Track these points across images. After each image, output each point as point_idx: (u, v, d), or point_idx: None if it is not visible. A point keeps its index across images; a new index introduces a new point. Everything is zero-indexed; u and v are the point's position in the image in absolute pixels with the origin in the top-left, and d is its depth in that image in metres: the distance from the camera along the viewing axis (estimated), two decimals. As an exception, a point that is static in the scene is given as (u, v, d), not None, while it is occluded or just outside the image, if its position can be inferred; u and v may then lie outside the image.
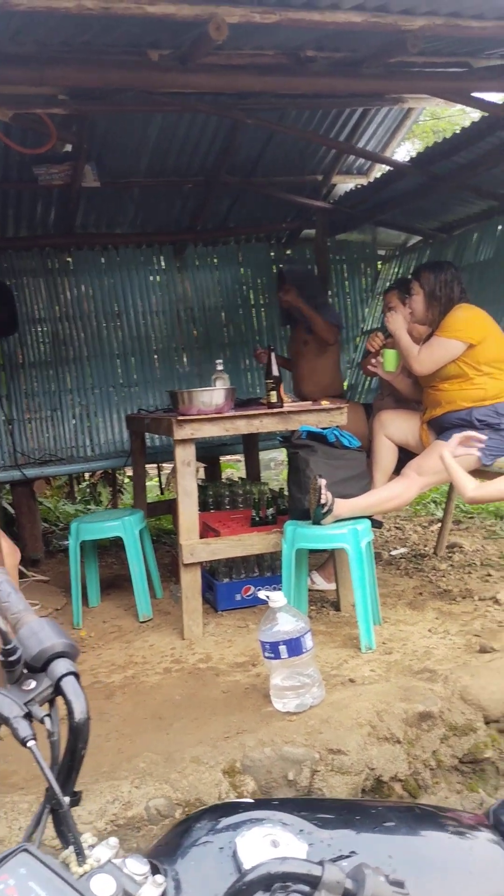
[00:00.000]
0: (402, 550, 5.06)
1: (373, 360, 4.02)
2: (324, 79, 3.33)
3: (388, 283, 6.40)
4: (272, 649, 2.80)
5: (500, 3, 2.76)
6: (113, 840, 1.32)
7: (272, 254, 6.48)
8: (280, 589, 3.60)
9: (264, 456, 7.59)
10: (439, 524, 5.08)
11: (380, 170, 5.70)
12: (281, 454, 8.24)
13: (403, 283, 4.49)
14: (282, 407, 3.86)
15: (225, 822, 1.22)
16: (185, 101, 4.02)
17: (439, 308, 3.76)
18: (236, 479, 5.46)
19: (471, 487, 3.01)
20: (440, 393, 3.73)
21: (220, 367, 4.29)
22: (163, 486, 7.43)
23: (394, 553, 5.00)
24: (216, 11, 2.59)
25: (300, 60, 3.34)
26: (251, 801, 1.31)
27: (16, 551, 3.44)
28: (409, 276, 4.04)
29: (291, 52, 3.33)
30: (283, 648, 2.78)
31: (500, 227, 5.11)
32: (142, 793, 2.44)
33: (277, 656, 2.80)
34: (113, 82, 3.11)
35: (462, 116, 11.48)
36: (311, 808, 1.29)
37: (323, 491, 3.43)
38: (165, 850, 1.32)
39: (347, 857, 1.20)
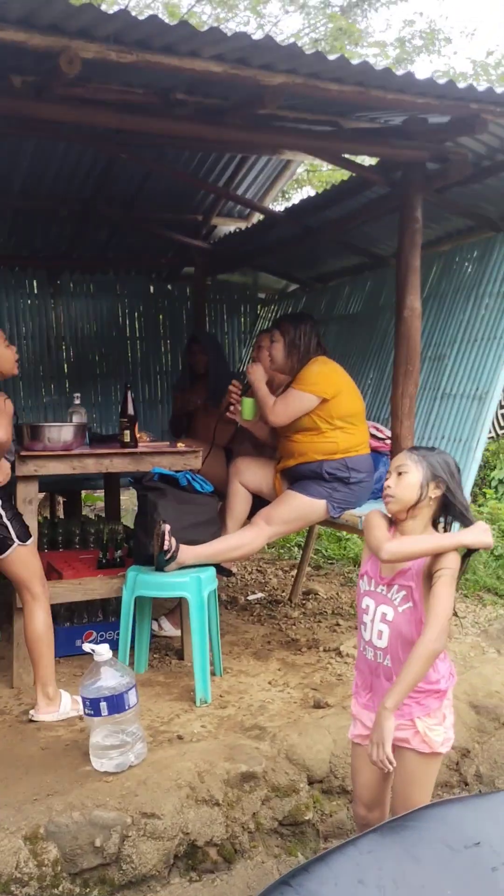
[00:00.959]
0: (259, 595, 5.02)
1: (231, 408, 4.00)
2: (187, 123, 3.31)
3: (267, 326, 6.47)
4: (92, 706, 2.68)
5: (357, 70, 2.82)
6: None
7: (151, 287, 6.41)
8: (117, 637, 3.49)
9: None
10: (297, 570, 5.09)
11: (259, 216, 5.76)
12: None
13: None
14: (135, 447, 3.77)
15: None
16: (55, 129, 3.92)
17: (298, 357, 3.81)
18: (93, 517, 5.29)
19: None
20: (294, 444, 3.74)
21: (77, 402, 4.18)
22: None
23: (251, 598, 4.96)
24: (69, 45, 2.52)
25: (170, 102, 3.31)
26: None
27: None
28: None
29: (162, 92, 3.29)
30: (104, 705, 2.67)
31: (369, 283, 5.24)
32: None
33: (98, 713, 2.68)
34: (-36, 104, 2.98)
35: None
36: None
37: (167, 536, 3.35)
38: None
39: None
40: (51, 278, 5.98)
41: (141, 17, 2.42)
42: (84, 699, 2.69)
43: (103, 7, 2.52)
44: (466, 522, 2.24)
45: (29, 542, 3.13)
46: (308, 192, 13.49)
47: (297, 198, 12.47)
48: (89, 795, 2.54)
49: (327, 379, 3.67)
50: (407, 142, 3.51)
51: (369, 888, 1.31)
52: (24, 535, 3.12)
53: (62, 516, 6.07)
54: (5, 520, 3.07)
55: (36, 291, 5.94)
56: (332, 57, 2.67)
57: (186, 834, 2.55)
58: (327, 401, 3.64)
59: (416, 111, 3.29)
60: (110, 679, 2.69)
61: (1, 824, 2.40)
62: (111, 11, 2.41)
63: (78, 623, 3.85)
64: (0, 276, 5.78)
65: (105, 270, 6.21)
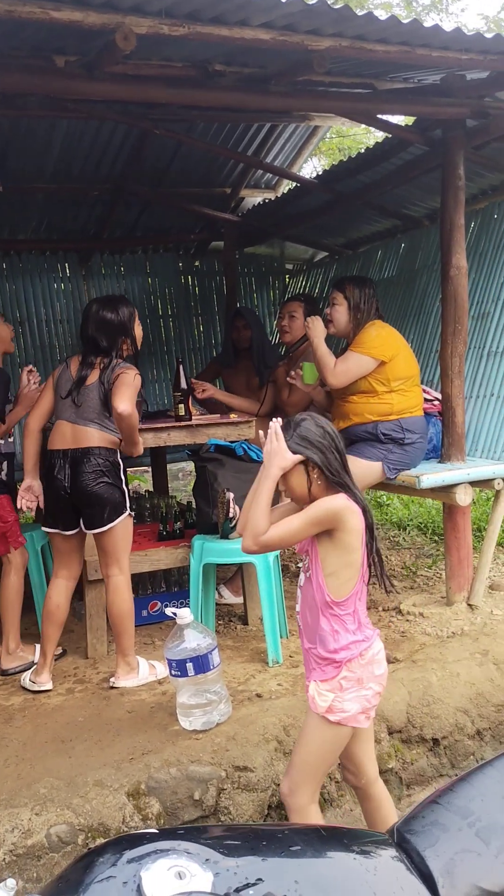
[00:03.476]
0: (309, 562, 5.09)
1: (292, 373, 4.05)
2: (231, 93, 3.33)
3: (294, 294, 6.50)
4: (179, 667, 2.77)
5: (403, 29, 2.83)
6: (10, 882, 1.26)
7: (180, 264, 6.44)
8: (188, 604, 3.58)
9: (172, 467, 7.52)
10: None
11: (287, 185, 5.77)
12: (189, 464, 8.17)
13: (310, 298, 4.55)
14: (190, 420, 3.83)
15: (129, 854, 1.19)
16: (92, 108, 3.95)
17: (360, 321, 3.83)
18: (143, 493, 5.38)
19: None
20: (349, 405, 3.79)
21: (127, 379, 4.22)
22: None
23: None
24: (123, 21, 2.55)
25: (208, 74, 3.34)
26: (155, 830, 1.28)
27: None
28: (324, 290, 4.11)
29: (200, 65, 3.32)
30: (189, 666, 2.75)
31: (402, 246, 5.25)
32: (42, 820, 2.36)
33: (184, 674, 2.77)
34: (16, 87, 3.02)
35: (366, 136, 11.80)
36: (216, 835, 1.27)
37: (231, 504, 3.42)
38: (66, 887, 1.26)
39: (254, 884, 1.18)
40: (81, 260, 6.03)
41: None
42: (170, 661, 2.78)
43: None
44: None
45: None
46: (315, 162, 13.39)
47: (306, 169, 12.37)
48: (183, 752, 2.64)
49: (385, 342, 3.71)
50: (447, 99, 3.51)
51: None
52: (130, 506, 3.26)
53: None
54: (125, 486, 3.18)
55: (68, 274, 5.98)
56: (382, 17, 2.68)
57: (278, 785, 2.64)
58: (385, 363, 3.68)
59: (457, 68, 3.30)
60: (193, 640, 2.78)
61: (104, 782, 2.50)
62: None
63: (143, 594, 3.95)
64: (33, 261, 5.83)
65: (134, 250, 6.24)
